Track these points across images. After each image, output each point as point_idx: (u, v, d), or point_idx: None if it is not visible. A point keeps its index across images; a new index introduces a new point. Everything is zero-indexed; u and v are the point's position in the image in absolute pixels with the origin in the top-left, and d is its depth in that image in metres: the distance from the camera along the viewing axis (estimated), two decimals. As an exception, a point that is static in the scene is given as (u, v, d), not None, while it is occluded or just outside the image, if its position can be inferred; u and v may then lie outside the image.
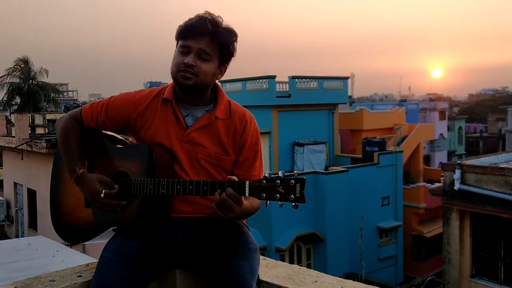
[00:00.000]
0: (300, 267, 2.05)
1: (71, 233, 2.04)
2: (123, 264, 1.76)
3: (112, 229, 1.94)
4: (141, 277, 1.78)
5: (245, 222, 2.03)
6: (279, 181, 1.62)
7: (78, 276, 1.93)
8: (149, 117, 1.92)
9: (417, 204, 22.65)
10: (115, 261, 1.77)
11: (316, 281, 1.89)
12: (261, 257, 2.00)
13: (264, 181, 1.64)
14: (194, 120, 1.92)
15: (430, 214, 23.04)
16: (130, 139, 2.10)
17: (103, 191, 1.79)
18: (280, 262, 2.11)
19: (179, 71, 1.83)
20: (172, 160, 1.88)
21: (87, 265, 2.06)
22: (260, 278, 1.89)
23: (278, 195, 1.62)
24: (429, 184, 22.51)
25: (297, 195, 1.60)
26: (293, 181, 1.61)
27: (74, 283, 1.87)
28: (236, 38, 1.89)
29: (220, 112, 1.93)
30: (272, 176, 1.65)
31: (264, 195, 1.63)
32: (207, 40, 1.83)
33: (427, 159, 30.82)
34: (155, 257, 1.84)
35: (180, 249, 1.87)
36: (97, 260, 1.85)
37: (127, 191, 1.84)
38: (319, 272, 1.98)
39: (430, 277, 18.06)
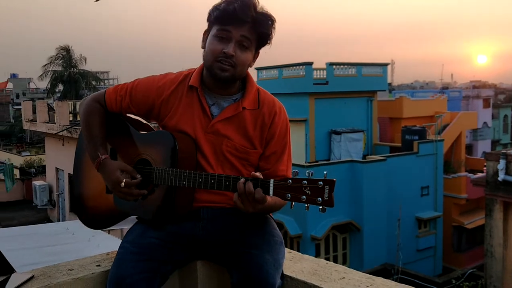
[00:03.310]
0: (327, 262, 1.93)
1: (92, 218, 2.00)
2: (141, 256, 1.70)
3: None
4: (160, 269, 1.72)
5: (271, 214, 1.93)
6: (306, 182, 1.49)
7: (97, 266, 1.89)
8: (173, 104, 1.83)
9: (458, 195, 21.97)
10: (134, 252, 1.72)
11: (344, 278, 1.77)
12: (286, 249, 1.90)
13: (290, 181, 1.51)
14: (220, 110, 1.82)
15: (472, 204, 22.39)
16: (152, 125, 2.04)
17: (124, 180, 1.71)
18: (306, 256, 2.00)
19: (217, 60, 1.72)
20: (196, 150, 1.80)
21: (107, 253, 2.02)
22: (284, 272, 1.79)
23: (305, 197, 1.49)
24: (471, 174, 21.80)
25: (325, 198, 1.47)
26: (321, 182, 1.48)
27: (93, 273, 1.82)
28: (274, 25, 1.77)
29: (248, 103, 1.82)
30: (298, 176, 1.51)
31: (289, 196, 1.51)
32: (248, 27, 1.72)
33: (469, 148, 29.86)
34: (175, 248, 1.78)
35: (202, 240, 1.80)
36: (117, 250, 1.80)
37: (149, 179, 1.78)
38: (347, 268, 1.87)
39: (471, 270, 17.54)
